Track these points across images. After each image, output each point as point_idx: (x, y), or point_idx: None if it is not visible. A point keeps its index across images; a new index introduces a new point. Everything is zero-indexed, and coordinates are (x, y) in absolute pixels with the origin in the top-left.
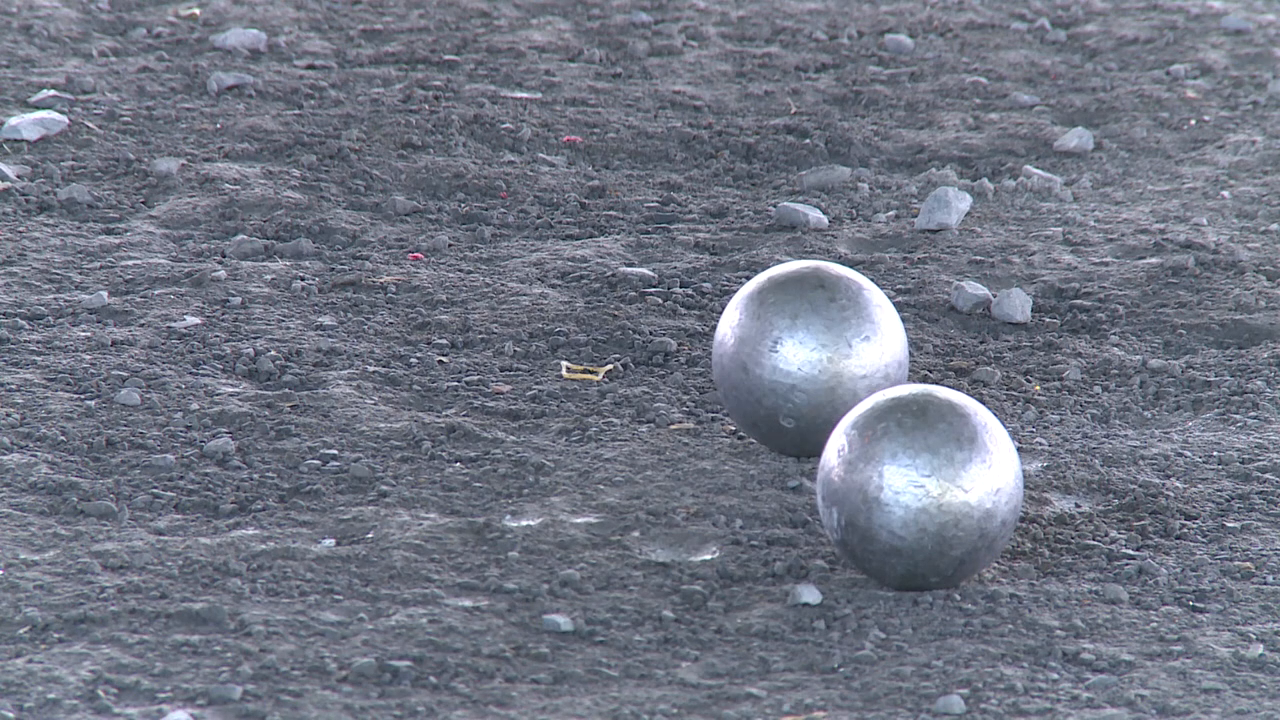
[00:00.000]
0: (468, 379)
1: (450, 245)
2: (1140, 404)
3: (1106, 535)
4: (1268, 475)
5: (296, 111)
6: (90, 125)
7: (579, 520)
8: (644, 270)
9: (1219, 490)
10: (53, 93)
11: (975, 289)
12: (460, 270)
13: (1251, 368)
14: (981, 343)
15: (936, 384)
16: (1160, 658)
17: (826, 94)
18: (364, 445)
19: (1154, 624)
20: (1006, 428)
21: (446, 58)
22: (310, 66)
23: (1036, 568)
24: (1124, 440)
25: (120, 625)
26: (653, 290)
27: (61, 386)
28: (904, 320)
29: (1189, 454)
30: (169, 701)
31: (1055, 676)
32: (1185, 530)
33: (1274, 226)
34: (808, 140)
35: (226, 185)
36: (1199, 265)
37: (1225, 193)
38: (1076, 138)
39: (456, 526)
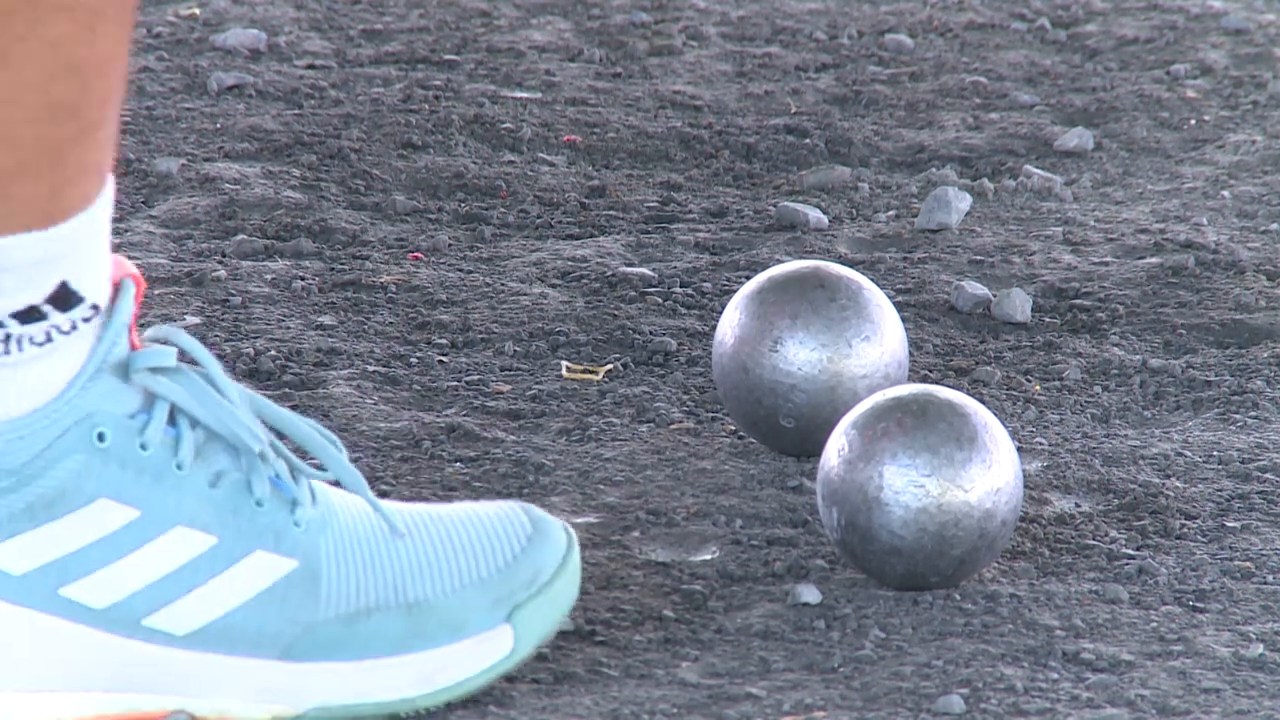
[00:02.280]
0: (468, 379)
1: (450, 245)
2: (1140, 404)
3: (1106, 535)
4: (1268, 475)
5: (296, 111)
6: None
7: (579, 520)
8: (644, 270)
9: (1219, 490)
10: None
11: (975, 289)
12: (460, 270)
13: (1251, 368)
14: (981, 343)
15: (936, 384)
16: (1160, 658)
17: (826, 94)
18: (364, 445)
19: (1154, 624)
20: (1006, 427)
21: (446, 58)
22: (310, 66)
23: (1036, 568)
24: (1124, 440)
25: None
26: (653, 290)
27: None
28: (904, 320)
29: (1189, 454)
30: None
31: (1055, 676)
32: (1185, 530)
33: (1274, 226)
34: (808, 140)
35: (226, 185)
36: (1199, 265)
37: (1225, 193)
38: (1076, 138)
39: None
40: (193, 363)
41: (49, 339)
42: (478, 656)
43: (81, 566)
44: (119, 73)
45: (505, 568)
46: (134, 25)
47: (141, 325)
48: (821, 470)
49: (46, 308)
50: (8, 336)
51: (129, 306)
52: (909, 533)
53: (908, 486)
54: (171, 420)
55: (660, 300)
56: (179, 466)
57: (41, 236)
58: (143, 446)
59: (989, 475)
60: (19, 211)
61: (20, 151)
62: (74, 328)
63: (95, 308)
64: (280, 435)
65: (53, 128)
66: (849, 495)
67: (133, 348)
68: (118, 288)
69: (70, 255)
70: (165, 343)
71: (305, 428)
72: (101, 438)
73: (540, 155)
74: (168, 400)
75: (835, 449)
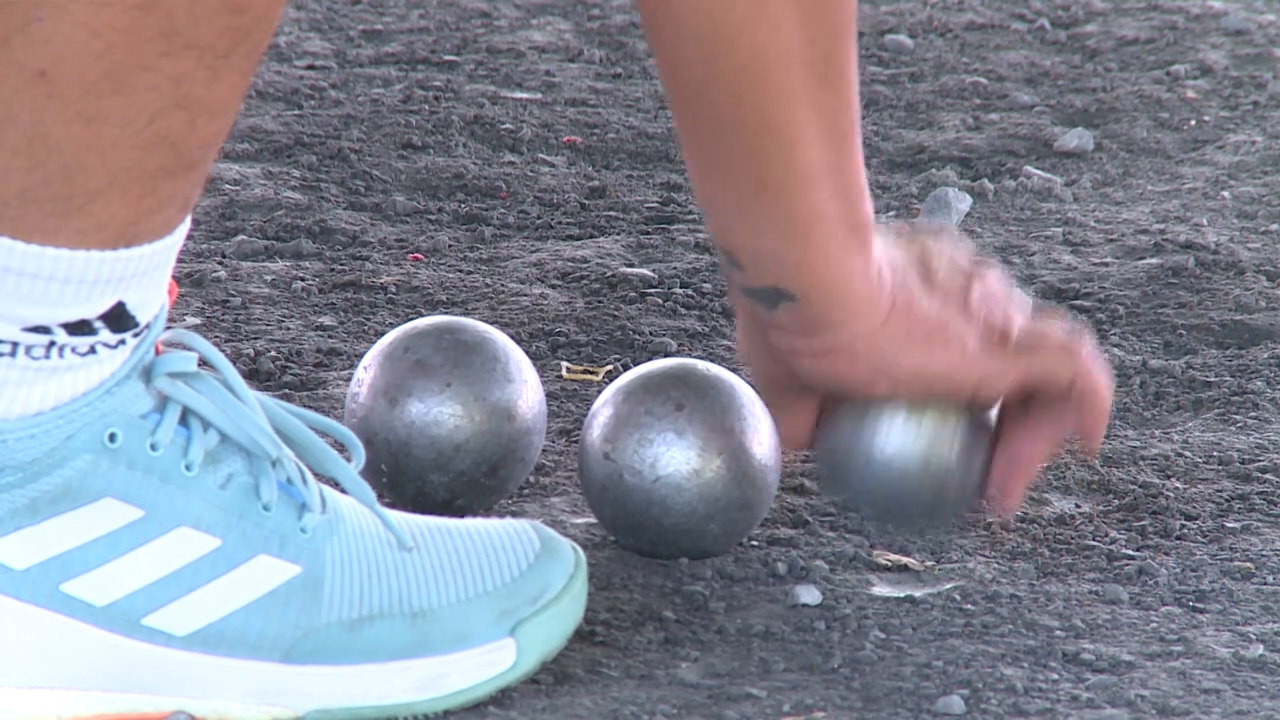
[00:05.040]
0: None
1: (450, 245)
2: (1140, 404)
3: (1106, 535)
4: (1268, 475)
5: (296, 112)
6: None
7: (579, 520)
8: (644, 270)
9: (1219, 490)
10: None
11: None
12: (460, 270)
13: (1251, 368)
14: None
15: None
16: (1160, 658)
17: None
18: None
19: (1154, 624)
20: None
21: (446, 58)
22: (310, 67)
23: (1036, 568)
24: (1124, 440)
25: None
26: (653, 290)
27: None
28: None
29: (1189, 454)
30: None
31: (1055, 676)
32: (1185, 530)
33: (1274, 226)
34: None
35: (226, 185)
36: (1199, 265)
37: (1225, 193)
38: (1076, 138)
39: None
40: (204, 365)
41: (92, 351)
42: (480, 667)
43: (83, 563)
44: (228, 119)
45: (512, 582)
46: (253, 77)
47: None
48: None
49: (98, 324)
50: (51, 343)
51: (164, 317)
52: (891, 445)
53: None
54: (183, 421)
55: (660, 300)
56: (188, 468)
57: (110, 256)
58: (153, 447)
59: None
60: (96, 229)
61: (113, 174)
62: (120, 344)
63: (147, 328)
64: (290, 441)
65: (151, 158)
66: (834, 426)
67: (155, 351)
68: None
69: (134, 279)
70: (181, 345)
71: (316, 437)
72: (113, 438)
73: (540, 155)
74: (184, 404)
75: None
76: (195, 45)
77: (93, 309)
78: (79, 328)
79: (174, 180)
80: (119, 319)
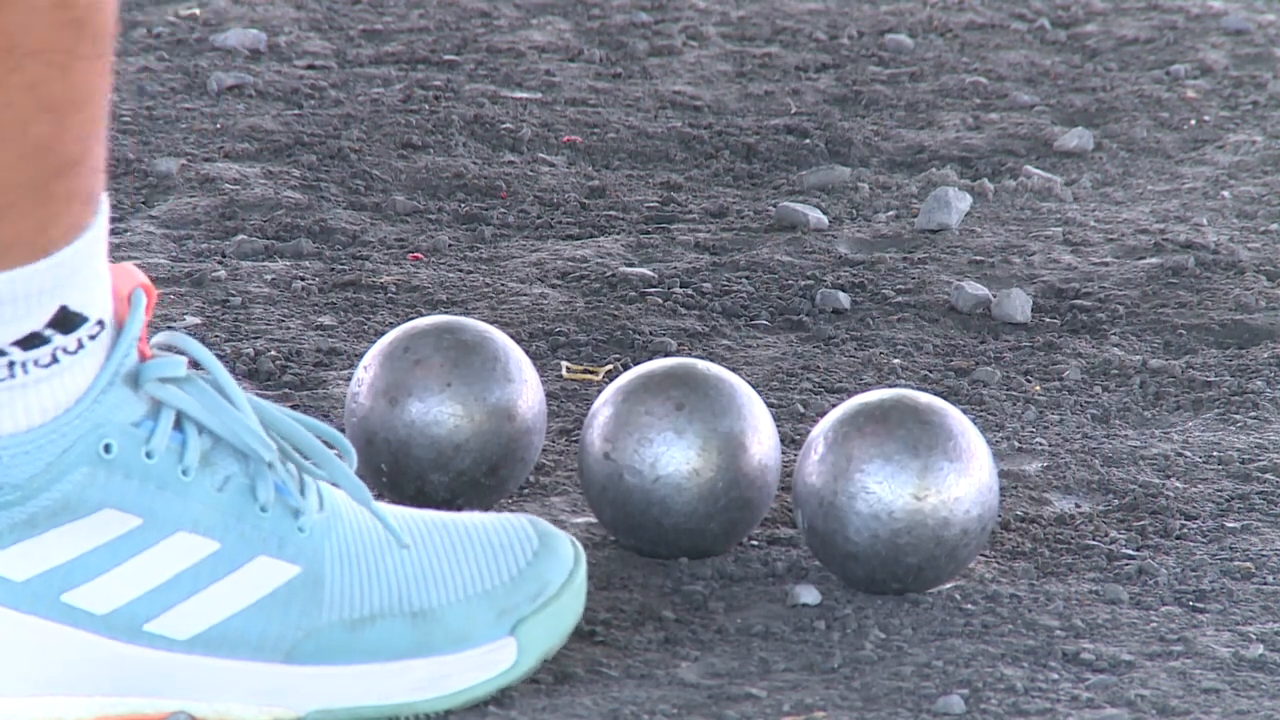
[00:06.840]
0: None
1: (450, 245)
2: (1140, 404)
3: (1106, 535)
4: (1268, 475)
5: (296, 111)
6: None
7: (579, 520)
8: (644, 270)
9: (1219, 490)
10: None
11: (975, 289)
12: (460, 270)
13: (1251, 368)
14: (981, 343)
15: (936, 383)
16: (1160, 658)
17: (826, 94)
18: None
19: (1154, 624)
20: (987, 436)
21: (446, 58)
22: (310, 66)
23: (1036, 568)
24: (1124, 440)
25: None
26: (653, 290)
27: None
28: (904, 320)
29: (1189, 454)
30: None
31: (1055, 676)
32: (1185, 530)
33: (1274, 226)
34: (808, 140)
35: (226, 185)
36: (1199, 265)
37: (1225, 193)
38: (1076, 138)
39: None
40: (196, 367)
41: (55, 360)
42: (481, 668)
43: (83, 573)
44: (97, 105)
45: (511, 581)
46: (111, 56)
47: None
48: (795, 473)
49: (49, 332)
50: (11, 363)
51: (140, 319)
52: (862, 539)
53: (860, 492)
54: (177, 425)
55: (660, 300)
56: (184, 472)
57: (35, 269)
58: (148, 455)
59: (946, 482)
60: (9, 249)
61: (3, 194)
62: (81, 346)
63: (100, 323)
64: (285, 442)
65: (33, 167)
66: (808, 499)
67: (142, 356)
68: (129, 300)
69: (66, 281)
70: (172, 348)
71: (311, 436)
72: (108, 449)
73: (540, 155)
74: (177, 409)
75: (805, 452)
76: (36, 51)
77: (37, 320)
78: (31, 341)
79: (66, 179)
80: (66, 321)
